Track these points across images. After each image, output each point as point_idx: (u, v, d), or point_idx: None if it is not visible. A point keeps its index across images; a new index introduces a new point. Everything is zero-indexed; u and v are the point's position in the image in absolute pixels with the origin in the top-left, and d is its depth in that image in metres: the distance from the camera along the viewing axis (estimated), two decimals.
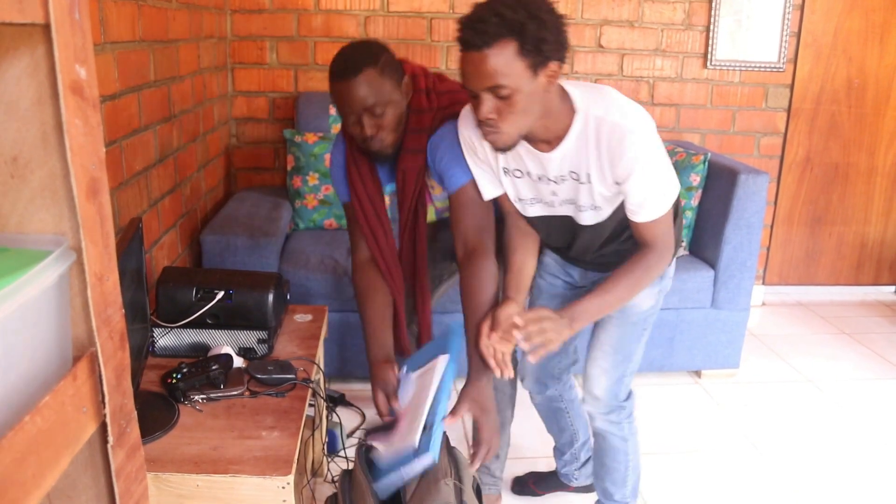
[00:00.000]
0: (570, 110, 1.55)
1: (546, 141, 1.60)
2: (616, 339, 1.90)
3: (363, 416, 2.77)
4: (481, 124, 1.53)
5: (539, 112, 1.52)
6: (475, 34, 1.41)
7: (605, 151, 1.54)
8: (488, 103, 1.47)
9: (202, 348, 1.90)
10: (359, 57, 1.71)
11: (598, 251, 1.83)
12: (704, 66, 3.79)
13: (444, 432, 1.81)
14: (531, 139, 1.61)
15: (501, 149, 1.57)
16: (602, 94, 1.57)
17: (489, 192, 1.76)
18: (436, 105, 1.85)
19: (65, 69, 0.68)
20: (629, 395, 2.01)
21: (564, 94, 1.56)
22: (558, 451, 2.34)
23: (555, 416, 2.26)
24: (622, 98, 1.57)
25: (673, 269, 1.91)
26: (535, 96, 1.47)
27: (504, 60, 1.41)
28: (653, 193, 1.59)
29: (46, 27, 0.67)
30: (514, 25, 1.38)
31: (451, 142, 1.79)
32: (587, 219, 1.70)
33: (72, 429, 0.71)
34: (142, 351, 1.68)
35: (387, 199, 1.97)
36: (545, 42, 1.41)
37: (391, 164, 1.91)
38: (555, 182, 1.66)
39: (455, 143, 1.78)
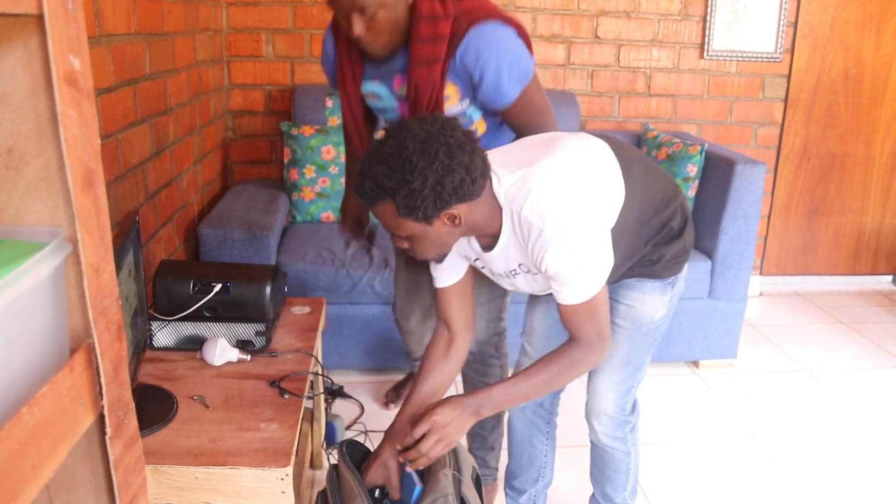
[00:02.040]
0: (499, 209, 1.51)
1: (488, 241, 1.57)
2: (626, 352, 1.80)
3: (362, 407, 2.77)
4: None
5: (458, 237, 1.51)
6: (359, 193, 1.42)
7: (527, 246, 1.50)
8: (399, 241, 1.51)
9: (200, 341, 1.90)
10: None
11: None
12: (701, 56, 3.79)
13: None
14: (478, 238, 1.60)
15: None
16: (524, 184, 1.48)
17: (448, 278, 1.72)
18: (453, 12, 1.76)
19: (59, 60, 0.68)
20: (634, 407, 1.91)
21: (492, 195, 1.50)
22: (515, 490, 2.14)
23: (529, 441, 2.06)
24: (545, 181, 1.47)
25: (686, 271, 1.82)
26: (440, 236, 1.47)
27: (391, 216, 1.42)
28: (571, 280, 1.48)
29: (40, 18, 0.67)
30: (385, 189, 1.37)
31: (496, 47, 1.74)
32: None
33: (69, 420, 0.71)
34: (140, 344, 1.68)
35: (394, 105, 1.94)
36: (417, 209, 1.37)
37: (391, 66, 1.86)
38: (507, 277, 1.65)
39: (502, 48, 1.75)
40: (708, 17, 3.72)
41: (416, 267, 2.22)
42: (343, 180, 1.96)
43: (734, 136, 3.94)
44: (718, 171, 3.08)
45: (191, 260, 2.82)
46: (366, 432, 2.59)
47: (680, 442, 2.65)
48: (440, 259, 1.60)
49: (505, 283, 1.71)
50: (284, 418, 1.62)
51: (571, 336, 1.56)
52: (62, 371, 0.70)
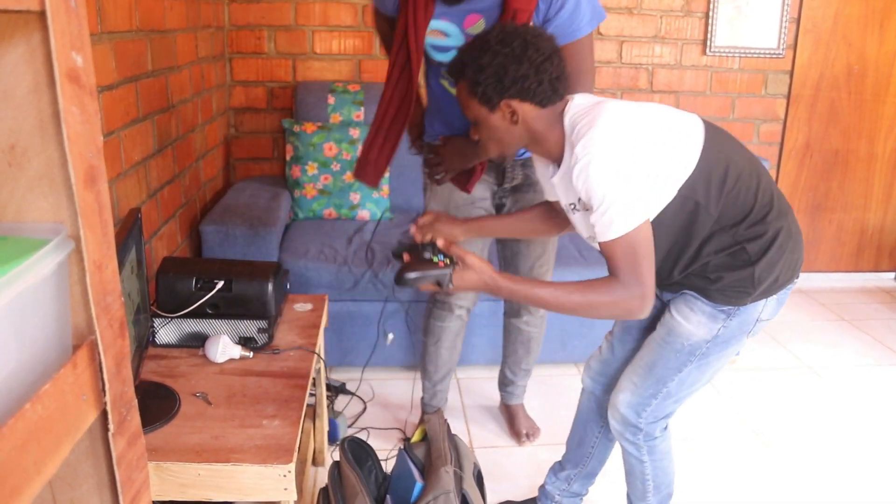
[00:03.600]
0: (563, 134, 1.60)
1: (554, 162, 1.66)
2: (652, 359, 1.75)
3: (364, 404, 2.77)
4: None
5: (518, 140, 1.64)
6: (450, 70, 1.65)
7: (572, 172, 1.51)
8: (473, 126, 1.69)
9: (202, 338, 1.90)
10: None
11: (663, 279, 1.69)
12: (704, 52, 3.78)
13: (446, 420, 1.82)
14: (545, 159, 1.70)
15: (492, 160, 1.78)
16: (587, 117, 1.51)
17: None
18: None
19: (61, 57, 0.68)
20: (655, 421, 1.81)
21: (560, 118, 1.60)
22: (558, 465, 2.15)
23: (585, 425, 2.06)
24: (602, 122, 1.48)
25: (765, 311, 1.67)
26: (499, 129, 1.62)
27: (464, 93, 1.62)
28: (606, 209, 1.46)
29: (42, 14, 0.67)
30: (462, 64, 1.59)
31: None
32: None
33: (72, 416, 0.71)
34: (142, 341, 1.68)
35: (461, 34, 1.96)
36: (479, 86, 1.56)
37: (463, 6, 1.91)
38: (570, 211, 1.66)
39: None
40: (710, 13, 3.71)
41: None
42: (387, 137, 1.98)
43: (737, 133, 3.93)
44: None
45: (193, 257, 2.83)
46: (368, 429, 2.60)
47: (682, 438, 2.65)
48: (501, 159, 1.72)
49: (572, 219, 1.69)
50: (287, 415, 1.62)
51: (611, 272, 1.51)
52: (65, 368, 0.70)
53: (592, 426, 2.05)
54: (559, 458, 2.16)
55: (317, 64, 3.53)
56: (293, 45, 3.50)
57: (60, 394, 0.68)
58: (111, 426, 0.78)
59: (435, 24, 1.95)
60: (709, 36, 3.74)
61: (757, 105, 3.92)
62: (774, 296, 1.66)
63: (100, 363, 0.76)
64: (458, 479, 1.62)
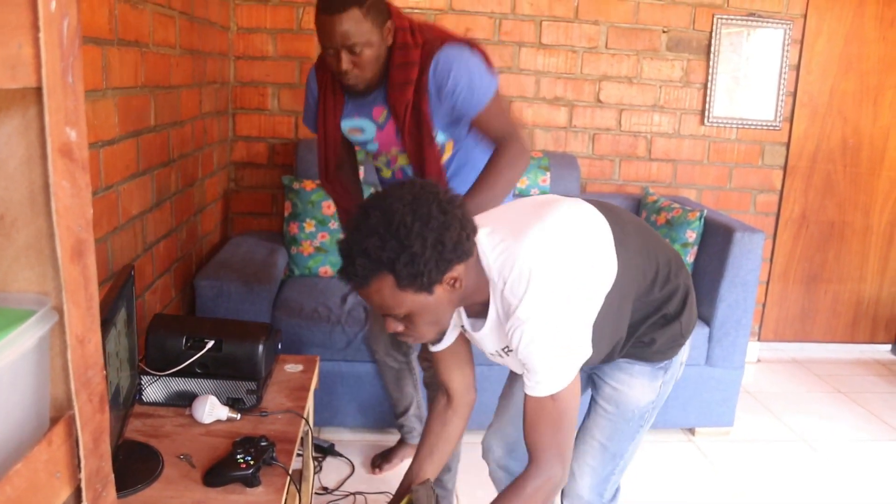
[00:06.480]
0: (486, 277, 1.45)
1: (478, 311, 1.51)
2: (607, 436, 1.72)
3: (352, 466, 2.73)
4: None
5: (452, 308, 1.44)
6: (349, 276, 1.32)
7: (506, 321, 1.43)
8: (394, 325, 1.42)
9: (190, 397, 1.88)
10: None
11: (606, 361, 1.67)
12: (702, 122, 3.83)
13: (435, 492, 1.78)
14: (467, 309, 1.54)
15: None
16: (509, 255, 1.41)
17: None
18: (421, 40, 2.00)
19: (55, 132, 0.68)
20: (615, 496, 1.81)
21: (478, 260, 1.43)
22: None
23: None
24: (538, 282, 1.37)
25: (683, 354, 1.73)
26: (439, 307, 1.38)
27: (389, 292, 1.32)
28: (539, 367, 1.41)
29: (39, 89, 0.67)
30: (382, 262, 1.27)
31: (464, 59, 1.98)
32: None
33: (44, 495, 0.69)
34: (129, 399, 1.66)
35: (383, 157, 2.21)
36: (420, 275, 1.28)
37: (369, 99, 2.09)
38: (499, 356, 1.57)
39: (468, 59, 1.98)
40: (709, 85, 3.77)
41: None
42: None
43: (734, 202, 3.96)
44: (717, 237, 3.08)
45: (186, 312, 2.81)
46: (354, 494, 2.55)
47: None
48: (439, 339, 1.53)
49: (498, 361, 1.64)
50: (271, 481, 1.59)
51: (529, 452, 1.46)
52: (39, 445, 0.68)
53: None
54: None
55: None
56: (296, 103, 3.54)
57: (33, 472, 0.67)
58: (85, 503, 0.76)
59: (350, 122, 2.17)
60: (707, 106, 3.80)
61: (754, 175, 3.95)
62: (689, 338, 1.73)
63: (77, 439, 0.74)
64: None
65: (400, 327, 1.42)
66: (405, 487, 1.68)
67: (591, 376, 1.77)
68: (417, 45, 1.99)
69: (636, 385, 1.67)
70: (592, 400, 1.77)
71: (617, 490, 1.82)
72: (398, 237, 1.26)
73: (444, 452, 1.72)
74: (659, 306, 1.61)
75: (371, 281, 1.31)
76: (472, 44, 2.07)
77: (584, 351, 1.44)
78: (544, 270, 1.38)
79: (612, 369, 1.69)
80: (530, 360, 1.40)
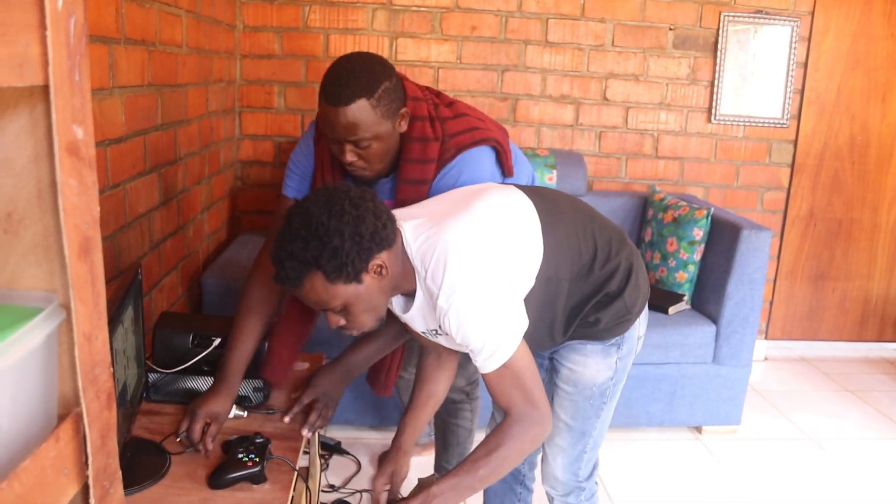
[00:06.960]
0: (412, 266, 1.51)
1: (407, 298, 1.58)
2: (570, 415, 1.77)
3: (358, 464, 2.73)
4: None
5: (386, 294, 1.51)
6: (282, 280, 1.42)
7: (434, 307, 1.49)
8: (335, 319, 1.50)
9: (196, 395, 1.88)
10: (356, 85, 1.63)
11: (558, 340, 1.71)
12: (708, 120, 3.82)
13: None
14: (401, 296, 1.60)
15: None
16: (431, 243, 1.47)
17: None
18: (441, 134, 1.78)
19: (62, 130, 0.68)
20: (591, 473, 1.87)
21: (403, 250, 1.50)
22: None
23: (502, 501, 2.08)
24: (454, 263, 1.44)
25: (640, 328, 1.76)
26: (371, 294, 1.46)
27: (321, 288, 1.41)
28: (478, 346, 1.46)
29: (46, 87, 0.68)
30: (308, 261, 1.38)
31: (477, 170, 1.79)
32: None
33: (51, 492, 0.70)
34: (136, 396, 1.67)
35: None
36: (345, 265, 1.39)
37: (374, 187, 1.85)
38: (430, 335, 1.61)
39: (478, 172, 1.79)
40: (716, 82, 3.76)
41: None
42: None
43: (741, 200, 3.95)
44: (724, 235, 3.07)
45: (193, 310, 2.82)
46: (360, 492, 2.55)
47: None
48: (378, 325, 1.57)
49: (431, 340, 1.66)
50: (278, 479, 1.59)
51: (504, 411, 1.51)
52: (47, 442, 0.69)
53: (509, 498, 2.06)
54: None
55: None
56: (302, 101, 3.54)
57: (40, 469, 0.67)
58: (92, 500, 0.76)
59: None
60: (714, 104, 3.78)
61: (761, 173, 3.94)
62: (644, 311, 1.75)
63: (84, 436, 0.74)
64: None
65: (341, 321, 1.51)
66: (407, 438, 1.78)
67: (551, 360, 1.82)
68: (437, 138, 1.78)
69: (591, 364, 1.72)
70: (553, 383, 1.81)
71: (594, 468, 1.87)
72: (318, 236, 1.37)
73: (439, 396, 1.83)
74: (600, 286, 1.64)
75: (303, 280, 1.41)
76: (497, 140, 1.86)
77: (518, 322, 1.49)
78: (459, 257, 1.44)
79: (567, 351, 1.74)
80: (468, 342, 1.46)
